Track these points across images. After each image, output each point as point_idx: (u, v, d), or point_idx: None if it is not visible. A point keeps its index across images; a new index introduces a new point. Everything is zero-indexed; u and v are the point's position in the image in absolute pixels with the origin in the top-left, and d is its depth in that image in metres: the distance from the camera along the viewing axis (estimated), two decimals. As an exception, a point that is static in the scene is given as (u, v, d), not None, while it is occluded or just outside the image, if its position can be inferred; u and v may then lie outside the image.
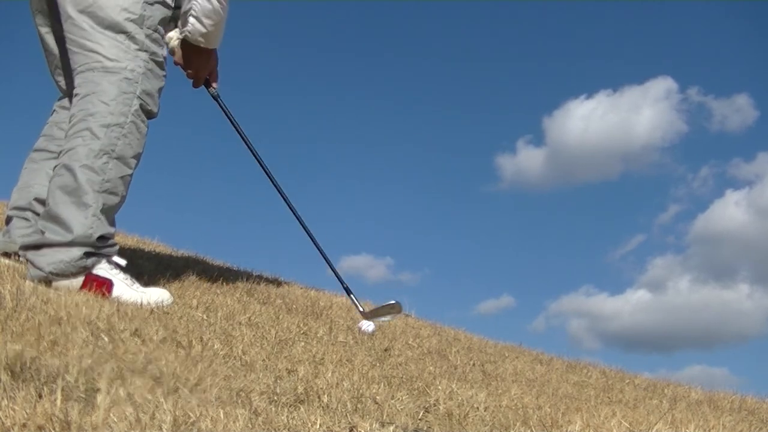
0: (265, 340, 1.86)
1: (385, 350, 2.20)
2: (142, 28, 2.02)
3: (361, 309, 2.45)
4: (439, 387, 1.77)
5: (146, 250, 3.50)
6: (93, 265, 1.91)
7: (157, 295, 1.98)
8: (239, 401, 1.24)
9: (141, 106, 2.00)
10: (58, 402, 0.91)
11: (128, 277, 1.98)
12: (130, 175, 2.01)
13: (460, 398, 1.69)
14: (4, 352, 1.05)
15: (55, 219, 1.91)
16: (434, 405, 1.60)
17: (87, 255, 1.90)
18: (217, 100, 2.44)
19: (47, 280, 1.88)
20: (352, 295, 2.54)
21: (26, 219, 2.17)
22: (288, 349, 1.84)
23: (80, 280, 1.89)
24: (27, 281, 1.86)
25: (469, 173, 16.67)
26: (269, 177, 2.55)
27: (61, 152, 1.98)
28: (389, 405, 1.48)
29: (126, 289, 1.93)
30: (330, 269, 2.63)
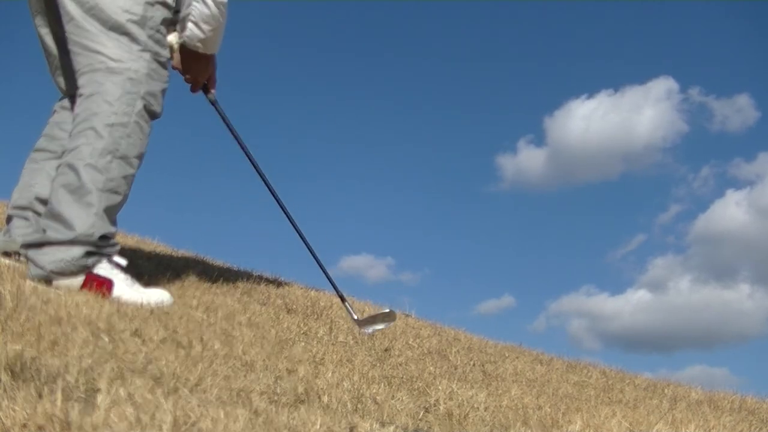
0: (265, 340, 1.86)
1: (385, 350, 2.20)
2: (144, 29, 2.02)
3: (355, 317, 2.44)
4: (439, 387, 1.77)
5: (146, 250, 3.50)
6: (94, 265, 1.91)
7: (157, 295, 1.98)
8: (239, 401, 1.24)
9: (144, 106, 2.00)
10: (58, 402, 0.91)
11: (128, 277, 1.98)
12: (133, 175, 2.01)
13: (460, 398, 1.69)
14: (4, 352, 1.05)
15: (57, 217, 1.91)
16: (434, 405, 1.60)
17: (88, 254, 1.90)
18: (215, 107, 2.43)
19: (48, 279, 1.88)
20: (346, 303, 2.54)
21: (26, 219, 2.17)
22: (288, 349, 1.84)
23: (80, 279, 1.89)
24: (27, 281, 1.86)
25: (470, 173, 16.69)
26: (266, 184, 2.54)
27: (64, 151, 1.99)
28: (389, 405, 1.48)
29: (126, 289, 1.93)
30: (324, 275, 2.63)
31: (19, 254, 2.10)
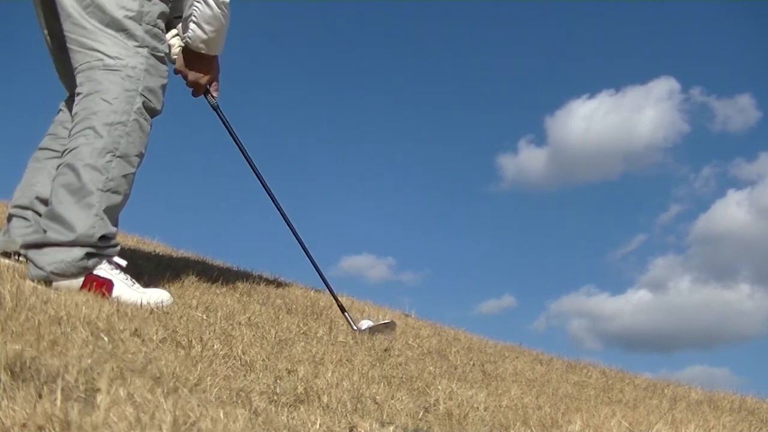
0: (265, 340, 1.86)
1: (385, 350, 2.20)
2: (141, 24, 2.01)
3: (354, 328, 2.44)
4: (439, 387, 1.77)
5: (146, 250, 3.50)
6: (94, 266, 1.91)
7: (157, 295, 1.97)
8: (239, 401, 1.24)
9: (144, 103, 2.00)
10: (58, 402, 0.91)
11: (128, 277, 1.98)
12: (134, 174, 2.01)
13: (460, 398, 1.69)
14: (4, 352, 1.05)
15: (57, 218, 1.91)
16: (434, 405, 1.60)
17: (88, 255, 1.90)
18: (216, 111, 2.40)
19: (47, 280, 1.88)
20: (346, 313, 2.53)
21: (26, 219, 2.17)
22: (288, 349, 1.84)
23: (80, 280, 1.89)
24: (27, 281, 1.86)
25: (471, 173, 16.68)
26: (267, 191, 2.53)
27: (64, 151, 1.98)
28: (389, 405, 1.48)
29: (126, 289, 1.93)
30: (325, 285, 2.62)
31: (18, 254, 2.10)
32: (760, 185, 16.31)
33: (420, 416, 1.49)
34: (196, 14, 2.09)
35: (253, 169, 2.51)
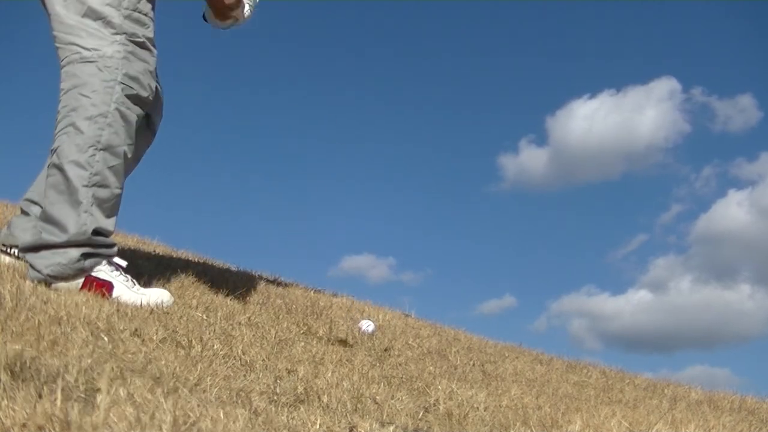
0: (265, 340, 1.86)
1: (385, 350, 2.20)
2: (119, 10, 1.98)
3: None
4: (439, 387, 1.77)
5: (146, 250, 3.50)
6: (91, 267, 1.91)
7: (157, 295, 1.97)
8: (239, 401, 1.24)
9: (124, 92, 1.97)
10: (58, 402, 0.91)
11: (129, 278, 1.97)
12: (122, 164, 1.98)
13: (460, 398, 1.69)
14: (4, 352, 1.05)
15: (50, 220, 1.91)
16: (434, 405, 1.60)
17: (85, 256, 1.89)
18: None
19: (46, 283, 1.87)
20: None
21: (29, 213, 2.17)
22: (288, 349, 1.84)
23: (79, 282, 1.89)
24: (27, 281, 1.86)
25: (472, 173, 16.66)
26: None
27: (50, 151, 1.98)
28: (389, 405, 1.48)
29: (126, 290, 1.93)
30: None
31: (17, 248, 2.09)
32: (761, 185, 16.30)
33: (420, 416, 1.49)
34: None
35: None
